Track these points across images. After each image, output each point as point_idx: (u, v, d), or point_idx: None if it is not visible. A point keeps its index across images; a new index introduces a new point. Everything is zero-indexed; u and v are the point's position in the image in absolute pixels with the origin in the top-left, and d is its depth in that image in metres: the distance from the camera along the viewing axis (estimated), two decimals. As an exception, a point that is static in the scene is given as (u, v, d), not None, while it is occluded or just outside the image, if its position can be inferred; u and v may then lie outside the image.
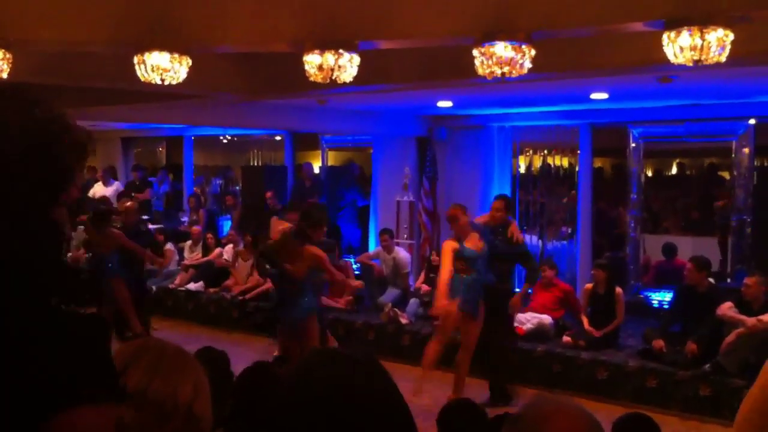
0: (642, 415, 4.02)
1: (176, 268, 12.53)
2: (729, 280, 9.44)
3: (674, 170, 11.98)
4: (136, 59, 5.25)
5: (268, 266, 8.40)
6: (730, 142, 9.85)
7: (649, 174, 11.30)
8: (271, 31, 5.44)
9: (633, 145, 10.39)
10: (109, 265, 9.30)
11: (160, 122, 12.63)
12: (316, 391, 1.15)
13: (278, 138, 14.71)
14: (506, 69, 4.83)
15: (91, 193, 13.81)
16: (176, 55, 5.23)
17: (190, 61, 5.32)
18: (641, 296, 10.23)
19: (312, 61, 5.13)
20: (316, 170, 13.95)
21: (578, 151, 10.82)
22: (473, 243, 7.11)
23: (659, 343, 7.73)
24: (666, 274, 10.04)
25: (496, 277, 7.41)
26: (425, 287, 10.04)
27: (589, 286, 8.70)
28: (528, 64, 4.87)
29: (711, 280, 8.27)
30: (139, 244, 9.60)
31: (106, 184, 14.06)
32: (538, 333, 8.63)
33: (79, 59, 6.76)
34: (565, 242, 11.07)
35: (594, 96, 8.96)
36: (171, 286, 12.11)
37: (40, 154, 0.87)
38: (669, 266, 10.02)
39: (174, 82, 5.35)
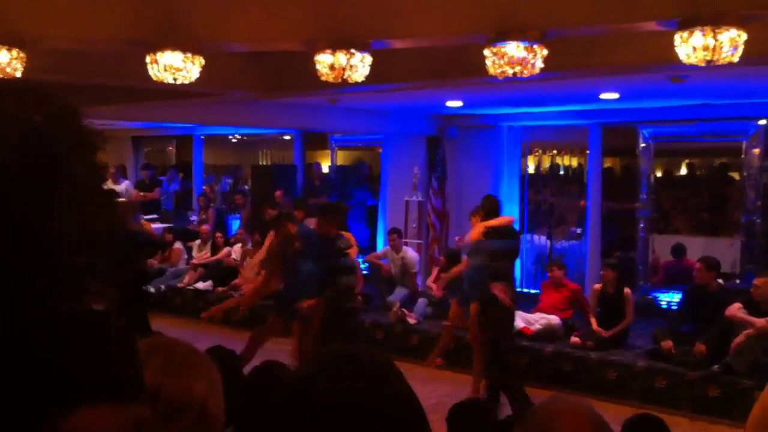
0: (653, 416, 4.00)
1: (185, 267, 12.55)
2: (738, 281, 9.41)
3: (684, 170, 11.93)
4: (148, 59, 5.27)
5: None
6: (740, 143, 9.82)
7: (659, 174, 11.26)
8: (283, 30, 5.46)
9: (643, 145, 10.36)
10: None
11: (172, 121, 12.66)
12: (321, 394, 1.13)
13: (287, 137, 14.73)
14: (518, 69, 4.82)
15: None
16: (189, 55, 5.24)
17: (203, 61, 5.34)
18: (650, 297, 10.20)
19: (324, 60, 5.14)
20: (325, 170, 13.96)
21: (588, 151, 10.81)
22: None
23: (668, 344, 7.71)
24: (675, 274, 10.00)
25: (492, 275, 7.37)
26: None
27: (598, 286, 8.68)
28: (540, 64, 4.87)
29: (720, 281, 8.24)
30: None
31: (116, 182, 14.10)
32: (547, 333, 8.61)
33: (92, 58, 6.79)
34: (574, 242, 11.05)
35: (604, 96, 8.94)
36: (179, 285, 12.13)
37: (41, 152, 0.86)
38: (678, 266, 9.98)
39: (186, 82, 5.36)
